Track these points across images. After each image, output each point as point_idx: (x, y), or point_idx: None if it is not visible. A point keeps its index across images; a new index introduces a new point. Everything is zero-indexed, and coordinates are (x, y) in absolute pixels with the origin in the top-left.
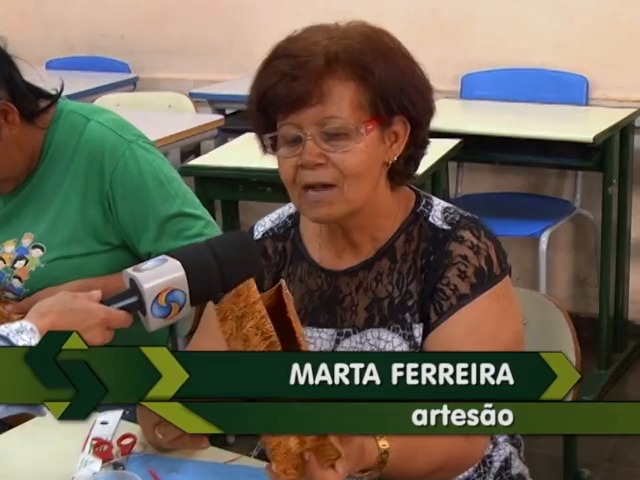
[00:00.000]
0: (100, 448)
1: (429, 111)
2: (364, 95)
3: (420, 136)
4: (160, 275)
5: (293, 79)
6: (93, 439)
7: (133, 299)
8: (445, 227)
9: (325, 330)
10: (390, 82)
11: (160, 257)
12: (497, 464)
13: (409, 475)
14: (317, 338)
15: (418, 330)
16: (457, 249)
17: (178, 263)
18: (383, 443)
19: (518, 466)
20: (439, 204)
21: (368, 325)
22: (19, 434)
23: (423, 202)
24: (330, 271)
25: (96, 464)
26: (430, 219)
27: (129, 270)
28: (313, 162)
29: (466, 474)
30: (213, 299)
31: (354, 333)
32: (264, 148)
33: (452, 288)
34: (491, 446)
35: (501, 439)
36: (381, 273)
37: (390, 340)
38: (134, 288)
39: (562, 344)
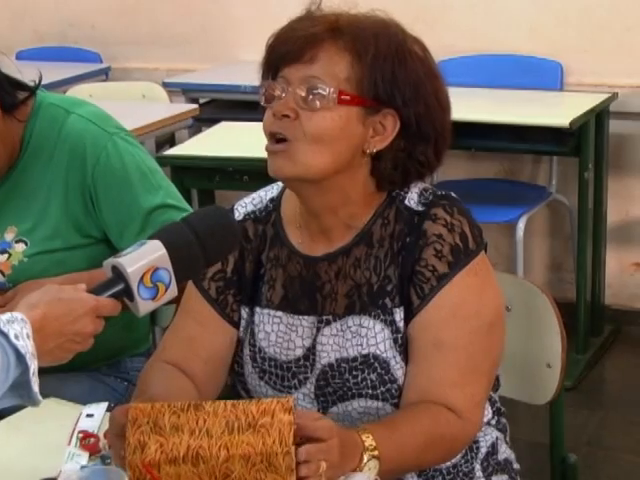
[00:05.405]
0: (87, 441)
1: (430, 124)
2: (355, 71)
3: (415, 148)
4: (142, 256)
5: (297, 35)
6: (79, 432)
7: (119, 286)
8: (420, 208)
9: (306, 317)
10: (386, 70)
11: (138, 242)
12: (484, 449)
13: (399, 450)
14: (298, 326)
15: (399, 314)
16: (431, 228)
17: (158, 242)
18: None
19: (505, 451)
20: (416, 186)
21: (349, 312)
22: (4, 427)
23: None
24: (309, 257)
25: (83, 457)
26: (406, 201)
27: (110, 259)
28: (281, 112)
29: (453, 460)
30: (198, 275)
31: (334, 320)
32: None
33: (431, 269)
34: None
35: (487, 424)
36: (359, 259)
37: (371, 327)
38: (118, 275)
39: (548, 329)
